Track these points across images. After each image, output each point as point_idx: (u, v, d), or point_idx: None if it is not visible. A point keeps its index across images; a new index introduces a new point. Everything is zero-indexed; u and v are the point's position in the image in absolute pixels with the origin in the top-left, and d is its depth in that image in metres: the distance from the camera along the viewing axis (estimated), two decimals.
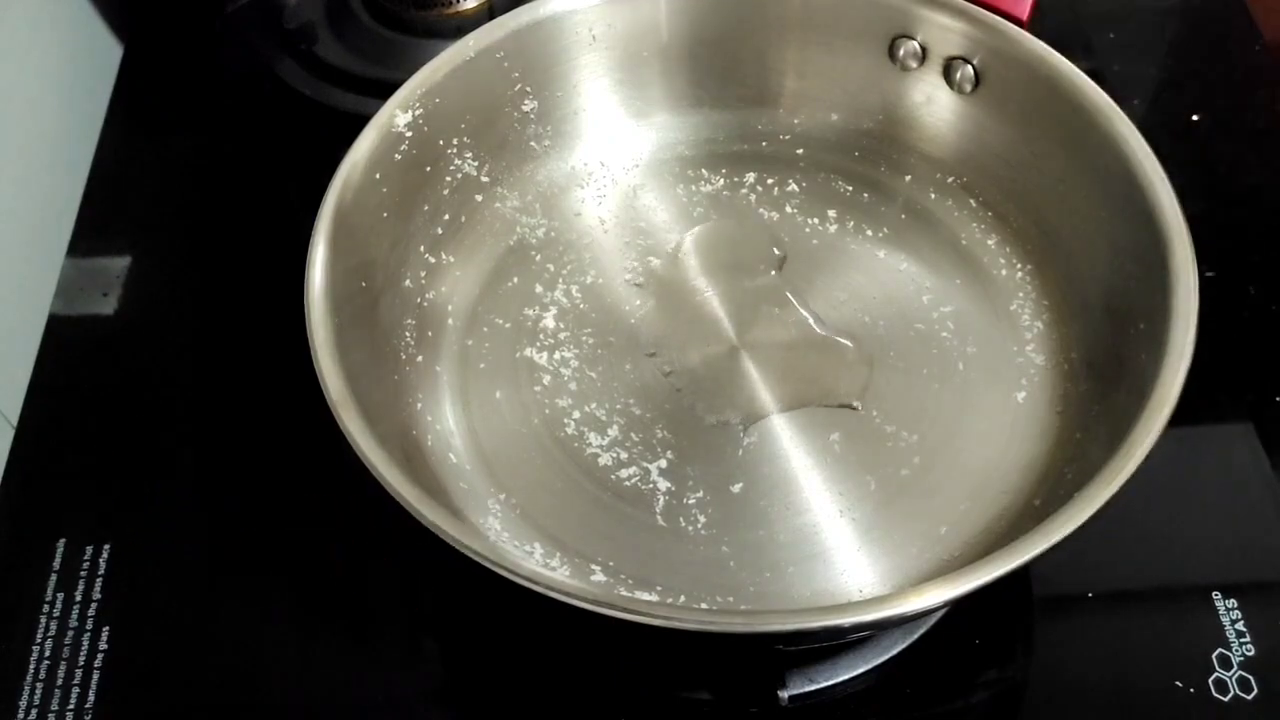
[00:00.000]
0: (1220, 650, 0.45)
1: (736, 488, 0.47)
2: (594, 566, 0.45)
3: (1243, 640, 0.45)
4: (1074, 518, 0.36)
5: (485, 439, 0.48)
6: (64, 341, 0.56)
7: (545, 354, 0.51)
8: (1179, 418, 0.39)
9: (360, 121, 0.47)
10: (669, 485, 0.47)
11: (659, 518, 0.46)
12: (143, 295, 0.57)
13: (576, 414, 0.49)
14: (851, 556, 0.45)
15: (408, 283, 0.50)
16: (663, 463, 0.47)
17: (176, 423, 0.53)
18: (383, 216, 0.48)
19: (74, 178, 0.61)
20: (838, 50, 0.53)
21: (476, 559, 0.36)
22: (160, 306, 0.57)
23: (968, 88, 0.51)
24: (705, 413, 0.49)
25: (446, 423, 0.49)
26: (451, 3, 0.65)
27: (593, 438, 0.48)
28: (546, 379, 0.50)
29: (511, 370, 0.50)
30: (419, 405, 0.48)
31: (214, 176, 0.62)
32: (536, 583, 0.35)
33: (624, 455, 0.48)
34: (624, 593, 0.43)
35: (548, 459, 0.48)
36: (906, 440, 0.48)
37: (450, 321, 0.51)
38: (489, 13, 0.65)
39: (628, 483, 0.47)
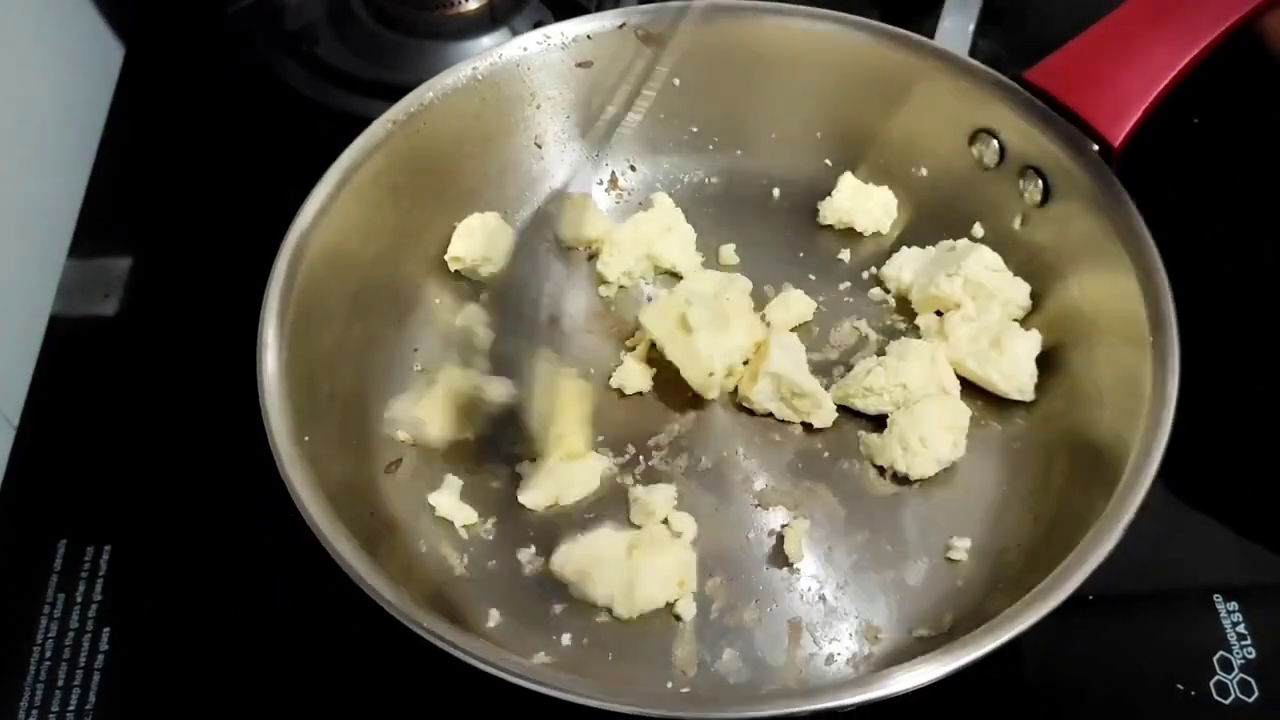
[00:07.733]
0: (1221, 653, 0.45)
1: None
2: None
3: (1244, 643, 0.45)
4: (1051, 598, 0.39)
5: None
6: (65, 342, 0.56)
7: None
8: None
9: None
10: None
11: None
12: (144, 296, 0.57)
13: None
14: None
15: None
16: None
17: (178, 423, 0.53)
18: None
19: (75, 179, 0.61)
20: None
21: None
22: (161, 307, 0.57)
23: (1037, 198, 0.51)
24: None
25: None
26: (453, 4, 0.65)
27: None
28: None
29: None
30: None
31: (215, 177, 0.62)
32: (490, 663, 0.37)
33: None
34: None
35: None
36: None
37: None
38: (490, 15, 0.65)
39: None
